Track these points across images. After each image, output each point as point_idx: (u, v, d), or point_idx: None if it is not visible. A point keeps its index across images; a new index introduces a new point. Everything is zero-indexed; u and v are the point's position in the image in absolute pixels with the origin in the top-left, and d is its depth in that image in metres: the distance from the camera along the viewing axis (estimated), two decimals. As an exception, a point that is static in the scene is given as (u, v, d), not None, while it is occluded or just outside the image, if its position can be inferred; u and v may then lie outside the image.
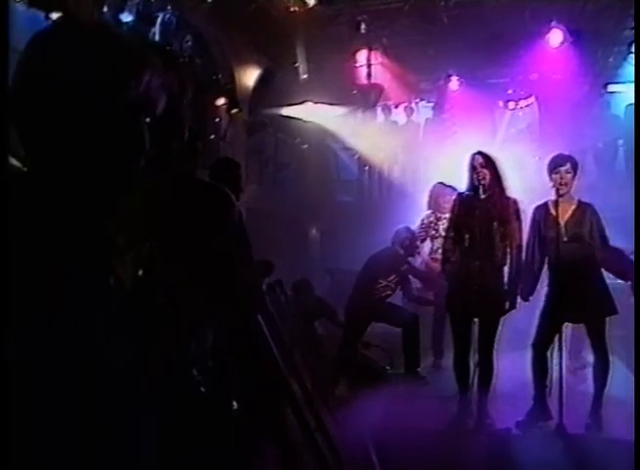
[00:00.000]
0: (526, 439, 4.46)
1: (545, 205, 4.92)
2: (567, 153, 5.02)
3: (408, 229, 6.94)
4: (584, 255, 4.77)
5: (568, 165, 4.77)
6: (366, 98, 11.09)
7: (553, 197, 4.83)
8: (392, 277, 6.77)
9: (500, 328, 5.00)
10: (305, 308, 6.46)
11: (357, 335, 6.78)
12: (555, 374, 4.52)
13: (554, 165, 4.80)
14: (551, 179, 4.82)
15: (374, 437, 4.37)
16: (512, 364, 5.70)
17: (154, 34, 8.24)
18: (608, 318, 7.46)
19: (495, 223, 4.76)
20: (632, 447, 4.15)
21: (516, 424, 4.69)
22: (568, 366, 6.25)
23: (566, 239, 4.68)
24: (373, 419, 4.73)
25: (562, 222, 4.77)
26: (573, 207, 4.87)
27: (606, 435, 4.60)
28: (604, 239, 4.87)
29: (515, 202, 4.90)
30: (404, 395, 5.80)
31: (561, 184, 4.75)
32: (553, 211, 4.82)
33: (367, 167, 11.62)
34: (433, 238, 6.98)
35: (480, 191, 4.78)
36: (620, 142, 10.89)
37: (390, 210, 10.34)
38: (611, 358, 6.97)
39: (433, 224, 6.98)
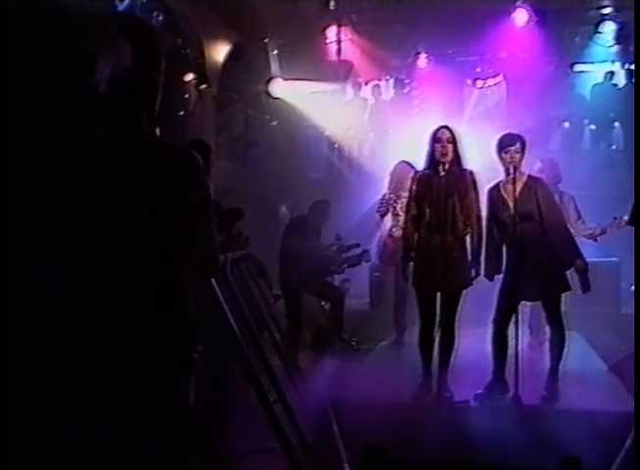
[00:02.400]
0: (483, 411, 4.58)
1: (497, 186, 4.94)
2: (515, 132, 5.03)
3: (326, 201, 7.31)
4: (536, 234, 4.80)
5: (517, 145, 4.78)
6: (336, 74, 11.07)
7: (504, 177, 4.87)
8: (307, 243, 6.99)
9: (462, 303, 5.11)
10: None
11: (296, 307, 6.91)
12: (511, 348, 4.59)
13: (503, 145, 4.80)
14: (501, 159, 4.83)
15: (335, 408, 4.47)
16: (474, 340, 5.82)
17: (121, 4, 8.12)
18: (569, 294, 7.66)
19: (455, 196, 4.80)
20: (587, 417, 4.32)
21: (474, 397, 4.80)
22: (530, 342, 6.42)
23: (517, 220, 4.72)
24: (334, 391, 4.82)
25: (511, 203, 4.76)
26: (521, 184, 4.84)
27: (562, 406, 4.73)
28: (554, 213, 4.92)
29: (471, 173, 4.93)
30: (366, 368, 5.92)
31: (511, 163, 4.74)
32: (503, 193, 4.86)
33: (337, 145, 11.61)
34: (393, 215, 7.03)
35: (441, 166, 4.82)
36: (586, 121, 11.04)
37: (359, 187, 10.42)
38: (571, 333, 7.20)
39: (392, 201, 7.01)
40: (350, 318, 7.91)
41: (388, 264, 7.28)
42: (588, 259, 8.68)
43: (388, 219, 7.09)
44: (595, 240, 6.20)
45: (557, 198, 6.13)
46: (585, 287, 4.94)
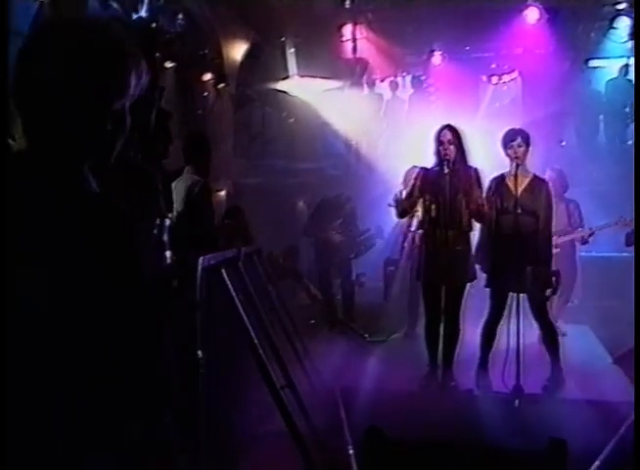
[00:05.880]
0: (486, 399, 4.75)
1: (501, 176, 5.11)
2: (518, 127, 5.20)
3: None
4: (534, 227, 4.96)
5: (519, 139, 4.95)
6: (352, 72, 11.23)
7: (509, 170, 5.03)
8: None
9: (468, 295, 5.29)
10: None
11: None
12: (513, 340, 4.73)
13: (506, 141, 4.98)
14: (506, 154, 5.01)
15: (344, 396, 4.66)
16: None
17: (140, 9, 8.36)
18: (581, 290, 7.79)
19: (460, 193, 4.97)
20: (585, 406, 4.48)
21: (476, 386, 4.97)
22: (540, 335, 6.53)
23: (519, 210, 4.87)
24: (344, 379, 5.03)
25: (517, 194, 4.92)
26: (528, 180, 5.05)
27: (561, 395, 4.89)
28: (548, 215, 5.06)
29: (476, 170, 5.10)
30: (377, 358, 6.11)
31: (515, 158, 4.92)
32: (509, 183, 5.00)
33: (353, 142, 11.78)
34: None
35: (446, 164, 4.98)
36: (601, 117, 11.08)
37: (375, 183, 10.57)
38: (581, 327, 7.34)
39: None
40: (365, 311, 8.14)
41: (408, 257, 7.49)
42: (601, 254, 8.84)
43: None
44: (585, 242, 6.47)
45: (564, 205, 6.36)
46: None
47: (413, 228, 7.17)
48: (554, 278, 5.05)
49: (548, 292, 5.08)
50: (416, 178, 5.21)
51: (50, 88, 1.33)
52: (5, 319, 1.31)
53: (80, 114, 1.35)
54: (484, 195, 5.04)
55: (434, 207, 5.02)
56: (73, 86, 1.32)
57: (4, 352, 1.31)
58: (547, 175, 6.25)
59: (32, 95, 1.35)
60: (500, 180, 5.08)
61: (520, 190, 4.92)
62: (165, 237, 2.61)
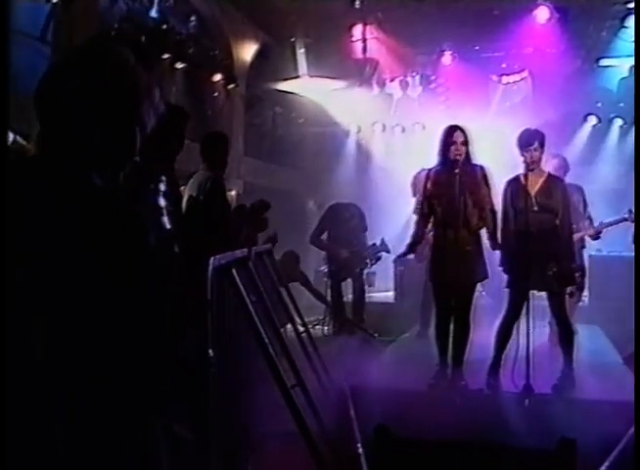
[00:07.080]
0: (496, 398, 4.75)
1: (517, 178, 5.10)
2: (533, 128, 5.19)
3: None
4: (553, 225, 4.96)
5: (536, 144, 4.95)
6: (362, 72, 11.25)
7: (524, 171, 5.03)
8: None
9: (478, 294, 5.29)
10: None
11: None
12: (523, 339, 4.73)
13: (523, 144, 4.98)
14: (522, 155, 5.00)
15: (354, 395, 4.69)
16: (491, 330, 5.98)
17: (150, 11, 8.42)
18: (590, 289, 7.76)
19: (467, 192, 4.98)
20: (593, 406, 4.48)
21: (487, 385, 4.98)
22: (549, 336, 6.51)
23: (536, 208, 4.87)
24: (354, 379, 5.05)
25: (532, 193, 4.94)
26: (543, 179, 5.06)
27: (571, 395, 4.88)
28: (566, 212, 5.07)
29: (482, 168, 5.10)
30: (386, 358, 6.13)
31: (531, 160, 4.93)
32: (524, 183, 4.98)
33: (363, 141, 11.81)
34: None
35: (455, 165, 4.98)
36: (613, 116, 11.03)
37: (386, 183, 10.60)
38: (592, 327, 7.33)
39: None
40: (375, 310, 8.17)
41: (418, 260, 7.49)
42: (612, 253, 8.83)
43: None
44: (597, 238, 6.44)
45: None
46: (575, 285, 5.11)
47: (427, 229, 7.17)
48: (578, 274, 5.04)
49: (572, 288, 5.07)
50: (426, 182, 5.20)
51: (72, 104, 1.48)
52: (5, 316, 1.35)
53: (96, 126, 1.49)
54: (500, 197, 5.04)
55: (440, 208, 5.03)
56: (91, 105, 1.49)
57: (4, 350, 1.34)
58: (555, 163, 6.23)
59: (55, 108, 1.49)
60: (515, 181, 5.09)
61: (535, 189, 4.94)
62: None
